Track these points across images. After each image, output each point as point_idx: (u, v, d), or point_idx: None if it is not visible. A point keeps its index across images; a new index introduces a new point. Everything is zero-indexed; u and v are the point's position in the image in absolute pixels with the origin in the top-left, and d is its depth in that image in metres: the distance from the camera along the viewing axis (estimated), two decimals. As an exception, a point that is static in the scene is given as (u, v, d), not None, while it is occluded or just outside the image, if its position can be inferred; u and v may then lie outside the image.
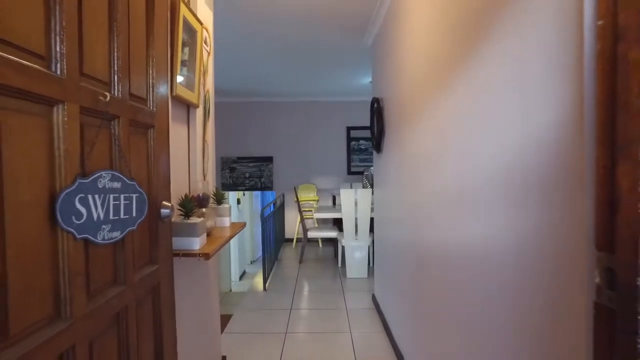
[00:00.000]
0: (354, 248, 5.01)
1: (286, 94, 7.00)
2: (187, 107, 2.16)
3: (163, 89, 1.34)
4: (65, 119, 0.80)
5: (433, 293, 1.99)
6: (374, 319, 3.65)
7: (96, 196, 0.89)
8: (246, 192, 8.01)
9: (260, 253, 6.96)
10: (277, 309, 3.95)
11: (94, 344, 0.91)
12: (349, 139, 7.32)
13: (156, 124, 1.26)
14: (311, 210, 6.60)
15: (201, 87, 2.27)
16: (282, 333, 3.38)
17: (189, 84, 2.04)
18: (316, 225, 6.77)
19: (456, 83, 1.66)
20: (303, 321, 3.68)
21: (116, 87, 1.02)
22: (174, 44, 1.78)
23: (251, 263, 8.67)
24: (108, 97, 0.94)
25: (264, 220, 4.78)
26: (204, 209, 1.97)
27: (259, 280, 5.11)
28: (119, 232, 0.97)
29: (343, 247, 5.19)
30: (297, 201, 6.08)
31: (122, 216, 0.98)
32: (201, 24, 2.15)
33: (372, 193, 4.63)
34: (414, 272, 2.40)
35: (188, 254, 1.63)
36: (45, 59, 0.77)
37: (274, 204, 5.86)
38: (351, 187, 6.56)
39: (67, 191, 0.80)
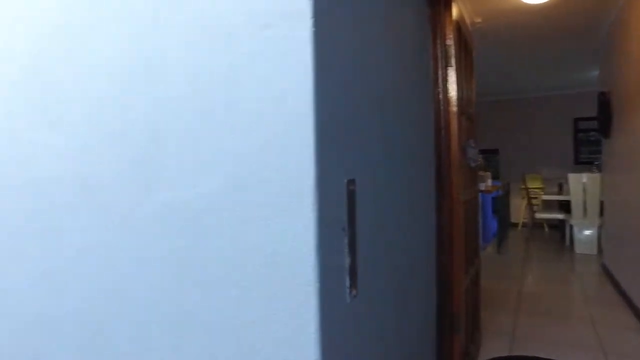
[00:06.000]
0: (583, 226, 5.57)
1: (509, 92, 7.81)
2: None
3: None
4: (457, 117, 2.25)
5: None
6: (602, 278, 4.34)
7: (469, 148, 2.31)
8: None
9: (483, 242, 7.94)
10: (510, 264, 5.02)
11: (470, 204, 2.35)
12: (576, 131, 7.59)
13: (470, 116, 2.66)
14: (537, 197, 7.22)
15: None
16: (517, 278, 4.45)
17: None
18: (541, 208, 7.35)
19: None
20: (533, 272, 4.66)
21: (463, 102, 2.45)
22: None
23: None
24: (469, 113, 2.38)
25: (495, 200, 5.88)
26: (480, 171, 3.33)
27: (489, 249, 6.19)
28: (474, 163, 2.39)
29: (571, 226, 5.78)
30: (525, 188, 6.83)
31: (473, 158, 2.39)
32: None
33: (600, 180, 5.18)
34: None
35: (479, 191, 3.01)
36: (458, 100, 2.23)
37: (500, 189, 6.82)
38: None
39: (464, 143, 2.25)
